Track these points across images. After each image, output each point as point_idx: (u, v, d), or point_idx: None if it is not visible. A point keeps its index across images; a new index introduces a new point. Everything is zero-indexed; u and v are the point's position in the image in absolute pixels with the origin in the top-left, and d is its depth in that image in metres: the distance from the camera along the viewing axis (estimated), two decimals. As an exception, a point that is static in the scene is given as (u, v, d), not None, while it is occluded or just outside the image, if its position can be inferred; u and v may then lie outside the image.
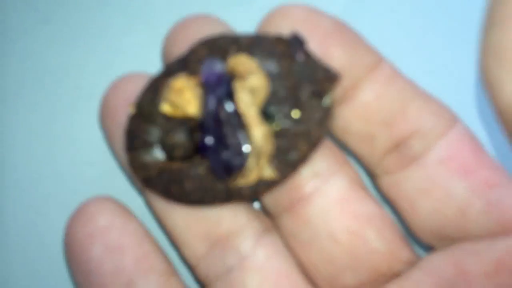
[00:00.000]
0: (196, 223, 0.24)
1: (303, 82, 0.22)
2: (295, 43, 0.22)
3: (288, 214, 0.24)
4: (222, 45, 0.23)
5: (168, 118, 0.23)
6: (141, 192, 0.27)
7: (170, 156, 0.23)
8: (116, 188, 0.28)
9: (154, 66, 0.27)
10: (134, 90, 0.24)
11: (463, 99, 0.28)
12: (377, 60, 0.24)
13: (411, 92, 0.23)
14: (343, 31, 0.23)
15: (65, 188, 0.28)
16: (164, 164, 0.23)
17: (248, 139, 0.22)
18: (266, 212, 0.26)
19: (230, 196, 0.23)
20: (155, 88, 0.23)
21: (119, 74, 0.26)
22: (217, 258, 0.24)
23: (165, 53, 0.25)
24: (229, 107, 0.22)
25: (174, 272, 0.25)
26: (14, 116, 0.29)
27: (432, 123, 0.23)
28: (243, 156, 0.22)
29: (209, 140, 0.22)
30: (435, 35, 0.28)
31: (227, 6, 0.29)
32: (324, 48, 0.23)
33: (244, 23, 0.26)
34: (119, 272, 0.23)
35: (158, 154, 0.23)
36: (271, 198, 0.25)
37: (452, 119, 0.23)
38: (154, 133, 0.23)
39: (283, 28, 0.23)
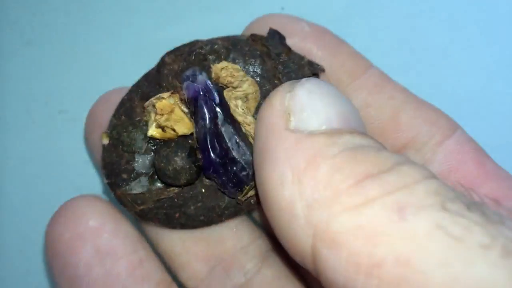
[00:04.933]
0: (196, 244, 0.22)
1: (291, 79, 0.21)
2: (275, 38, 0.21)
3: None
4: (198, 53, 0.21)
5: (157, 143, 0.21)
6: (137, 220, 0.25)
7: (172, 184, 0.21)
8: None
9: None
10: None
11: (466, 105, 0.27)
12: (364, 66, 0.22)
13: (402, 99, 0.22)
14: (323, 35, 0.22)
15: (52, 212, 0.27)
16: (161, 192, 0.21)
17: (251, 149, 0.20)
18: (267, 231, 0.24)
19: (238, 210, 0.22)
20: (128, 110, 0.21)
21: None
22: (220, 280, 0.22)
23: None
24: (225, 118, 0.20)
25: (171, 282, 0.22)
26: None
27: (428, 132, 0.21)
28: (251, 168, 0.20)
29: (214, 157, 0.20)
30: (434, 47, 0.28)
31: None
32: (303, 50, 0.22)
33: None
34: (112, 279, 0.21)
35: (149, 182, 0.21)
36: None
37: (451, 127, 0.22)
38: (141, 161, 0.21)
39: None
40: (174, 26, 0.28)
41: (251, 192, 0.21)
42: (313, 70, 0.21)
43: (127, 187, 0.21)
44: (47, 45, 0.29)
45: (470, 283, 0.12)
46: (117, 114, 0.21)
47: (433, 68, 0.27)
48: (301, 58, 0.21)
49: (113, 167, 0.21)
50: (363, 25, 0.28)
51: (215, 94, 0.20)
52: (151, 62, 0.26)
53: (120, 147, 0.21)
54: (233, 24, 0.27)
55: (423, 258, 0.13)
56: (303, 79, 0.17)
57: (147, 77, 0.21)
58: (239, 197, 0.21)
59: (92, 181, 0.27)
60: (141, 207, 0.21)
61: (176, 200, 0.21)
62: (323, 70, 0.21)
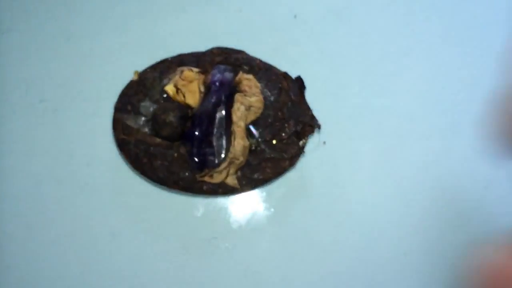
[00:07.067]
0: None
1: (291, 119, 0.26)
2: (298, 85, 0.26)
3: None
4: (238, 59, 0.26)
5: (167, 98, 0.25)
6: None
7: (156, 132, 0.25)
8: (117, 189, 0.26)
9: (124, 69, 0.27)
10: None
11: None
12: None
13: None
14: None
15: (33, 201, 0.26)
16: (145, 136, 0.25)
17: (229, 146, 0.25)
18: None
19: (190, 187, 0.25)
20: (164, 69, 0.26)
21: (89, 81, 0.26)
22: None
23: None
24: (224, 112, 0.25)
25: None
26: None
27: None
28: (219, 158, 0.24)
29: (197, 132, 0.24)
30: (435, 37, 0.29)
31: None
32: None
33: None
34: None
35: (143, 124, 0.25)
36: None
37: None
38: (147, 106, 0.25)
39: None
40: (162, 15, 0.28)
41: (208, 178, 0.25)
42: (311, 122, 0.25)
43: (125, 115, 0.25)
44: (27, 33, 0.28)
45: None
46: (156, 66, 0.26)
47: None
48: (308, 109, 0.26)
49: (126, 97, 0.25)
50: (372, 25, 0.27)
51: (227, 90, 0.25)
52: (133, 50, 0.28)
53: (140, 87, 0.25)
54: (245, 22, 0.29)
55: None
56: None
57: (193, 53, 0.26)
58: (197, 175, 0.25)
59: (73, 170, 0.27)
60: (124, 137, 0.25)
61: (151, 148, 0.25)
62: (319, 127, 0.25)
